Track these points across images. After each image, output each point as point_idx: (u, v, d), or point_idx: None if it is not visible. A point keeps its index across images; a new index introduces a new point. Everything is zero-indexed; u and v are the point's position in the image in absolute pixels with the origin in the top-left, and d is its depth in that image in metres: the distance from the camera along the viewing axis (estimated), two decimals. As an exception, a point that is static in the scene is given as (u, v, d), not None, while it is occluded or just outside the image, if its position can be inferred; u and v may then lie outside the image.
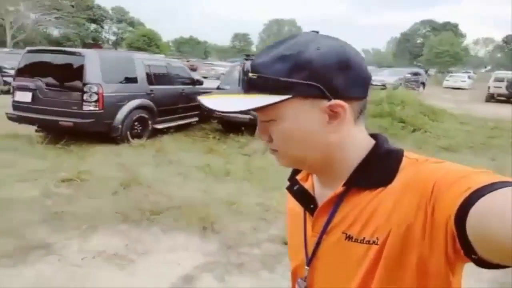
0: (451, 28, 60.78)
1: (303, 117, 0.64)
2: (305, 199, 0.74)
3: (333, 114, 0.63)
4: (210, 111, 0.80)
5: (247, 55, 9.08)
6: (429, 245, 0.56)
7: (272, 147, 0.68)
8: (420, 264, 0.58)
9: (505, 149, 7.61)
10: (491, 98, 20.09)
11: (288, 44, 0.64)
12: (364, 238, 0.63)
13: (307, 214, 0.74)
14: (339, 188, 0.67)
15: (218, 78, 27.38)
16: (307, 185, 0.75)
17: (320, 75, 0.61)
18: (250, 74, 0.63)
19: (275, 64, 0.62)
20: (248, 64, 0.65)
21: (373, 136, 0.71)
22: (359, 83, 0.65)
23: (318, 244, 0.70)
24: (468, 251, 0.50)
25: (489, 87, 20.46)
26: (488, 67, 65.52)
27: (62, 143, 5.93)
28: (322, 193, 0.72)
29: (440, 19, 69.50)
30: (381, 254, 0.61)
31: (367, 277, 0.62)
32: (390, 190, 0.62)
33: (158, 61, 7.94)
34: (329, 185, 0.70)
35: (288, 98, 0.62)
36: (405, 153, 0.67)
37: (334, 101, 0.63)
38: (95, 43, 43.46)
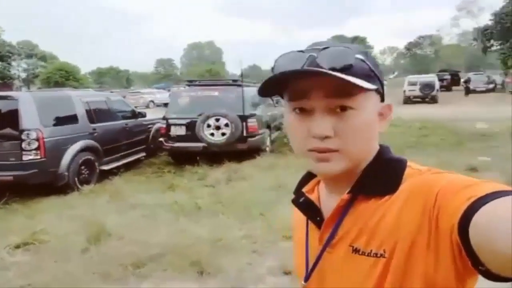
0: (360, 42, 65.94)
1: (373, 112, 0.65)
2: (311, 211, 0.71)
3: (381, 115, 0.67)
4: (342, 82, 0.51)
5: (189, 81, 8.95)
6: (435, 256, 0.55)
7: (331, 145, 0.62)
8: (427, 276, 0.56)
9: (439, 146, 8.33)
10: (408, 100, 22.04)
11: (354, 45, 0.67)
12: (371, 250, 0.61)
13: (311, 227, 0.72)
14: (345, 196, 0.65)
15: (147, 106, 26.73)
16: (313, 197, 0.72)
17: (382, 75, 0.68)
18: (358, 56, 0.62)
19: (365, 56, 0.64)
20: (331, 49, 0.62)
21: None
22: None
23: (319, 257, 0.67)
24: (475, 261, 0.49)
25: (404, 91, 22.46)
26: (396, 73, 72.05)
27: (3, 202, 5.22)
28: (329, 203, 0.69)
29: (349, 33, 74.87)
30: (388, 268, 0.59)
31: None
32: (394, 199, 0.61)
33: (97, 97, 7.45)
34: (337, 191, 0.68)
35: (374, 89, 0.64)
36: (409, 163, 0.67)
37: (388, 103, 0.69)
38: (4, 82, 39.78)
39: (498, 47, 32.14)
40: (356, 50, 0.63)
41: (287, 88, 0.64)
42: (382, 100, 0.68)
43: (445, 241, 0.53)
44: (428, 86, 21.65)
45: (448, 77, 29.99)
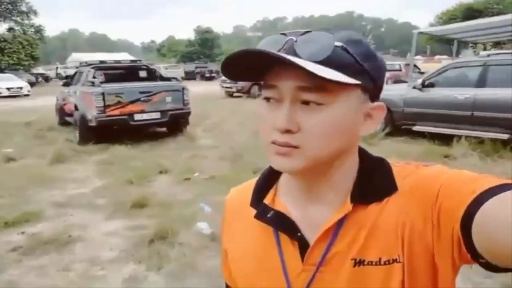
0: None
1: (353, 111, 0.55)
2: (287, 226, 0.61)
3: (368, 116, 0.58)
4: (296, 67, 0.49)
5: None
6: (437, 249, 0.53)
7: (292, 141, 0.54)
8: (434, 270, 0.55)
9: None
10: None
11: (352, 32, 0.57)
12: (380, 258, 0.55)
13: (284, 245, 0.61)
14: (347, 206, 0.57)
15: None
16: (280, 209, 0.62)
17: (379, 71, 0.57)
18: (339, 44, 0.53)
19: (352, 46, 0.54)
20: (312, 34, 0.54)
21: None
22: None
23: (313, 278, 0.58)
24: (475, 255, 0.48)
25: None
26: None
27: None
28: (305, 215, 0.61)
29: None
30: (405, 272, 0.55)
31: None
32: (394, 200, 0.57)
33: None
34: (319, 203, 0.60)
35: (357, 85, 0.54)
36: (389, 160, 0.63)
37: (379, 104, 0.59)
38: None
39: None
40: (341, 37, 0.54)
41: (260, 75, 0.57)
42: (373, 99, 0.58)
43: (446, 236, 0.52)
44: None
45: None
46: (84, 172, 5.83)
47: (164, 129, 8.71)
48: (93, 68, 8.28)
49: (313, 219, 0.60)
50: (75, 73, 9.48)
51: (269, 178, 0.66)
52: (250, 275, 0.66)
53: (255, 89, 17.05)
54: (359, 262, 0.56)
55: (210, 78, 30.02)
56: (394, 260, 0.55)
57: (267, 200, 0.65)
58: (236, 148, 6.76)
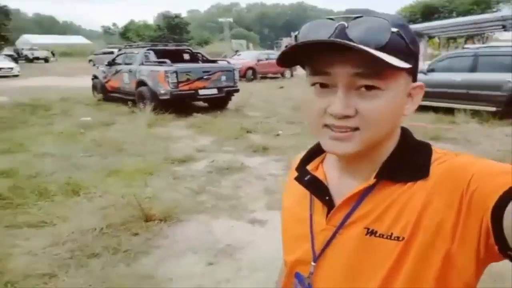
0: None
1: (402, 93, 0.60)
2: (319, 189, 0.69)
3: (409, 96, 0.62)
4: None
5: None
6: (460, 239, 0.54)
7: (350, 123, 0.58)
8: (446, 260, 0.55)
9: None
10: None
11: (395, 15, 0.60)
12: (392, 233, 0.59)
13: (316, 205, 0.70)
14: (371, 180, 0.63)
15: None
16: (319, 175, 0.71)
17: (419, 53, 0.60)
18: (394, 29, 0.55)
19: (403, 30, 0.57)
20: (365, 19, 0.56)
21: None
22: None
23: (332, 238, 0.66)
24: (504, 247, 0.49)
25: None
26: None
27: None
28: (339, 183, 0.68)
29: None
30: (408, 251, 0.58)
31: (390, 276, 0.59)
32: (423, 184, 0.59)
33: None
34: (353, 175, 0.66)
35: (407, 68, 0.57)
36: (433, 147, 0.65)
37: (419, 83, 0.61)
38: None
39: None
40: (393, 21, 0.56)
41: (309, 60, 0.59)
42: (414, 79, 0.62)
43: (474, 224, 0.53)
44: None
45: None
46: (181, 133, 7.23)
47: (206, 104, 10.12)
48: (148, 50, 9.58)
49: (344, 187, 0.66)
50: (118, 55, 10.73)
51: (321, 146, 0.67)
52: (287, 223, 0.78)
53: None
54: (371, 232, 0.61)
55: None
56: (403, 238, 0.58)
57: (310, 166, 0.74)
58: (288, 118, 8.43)
